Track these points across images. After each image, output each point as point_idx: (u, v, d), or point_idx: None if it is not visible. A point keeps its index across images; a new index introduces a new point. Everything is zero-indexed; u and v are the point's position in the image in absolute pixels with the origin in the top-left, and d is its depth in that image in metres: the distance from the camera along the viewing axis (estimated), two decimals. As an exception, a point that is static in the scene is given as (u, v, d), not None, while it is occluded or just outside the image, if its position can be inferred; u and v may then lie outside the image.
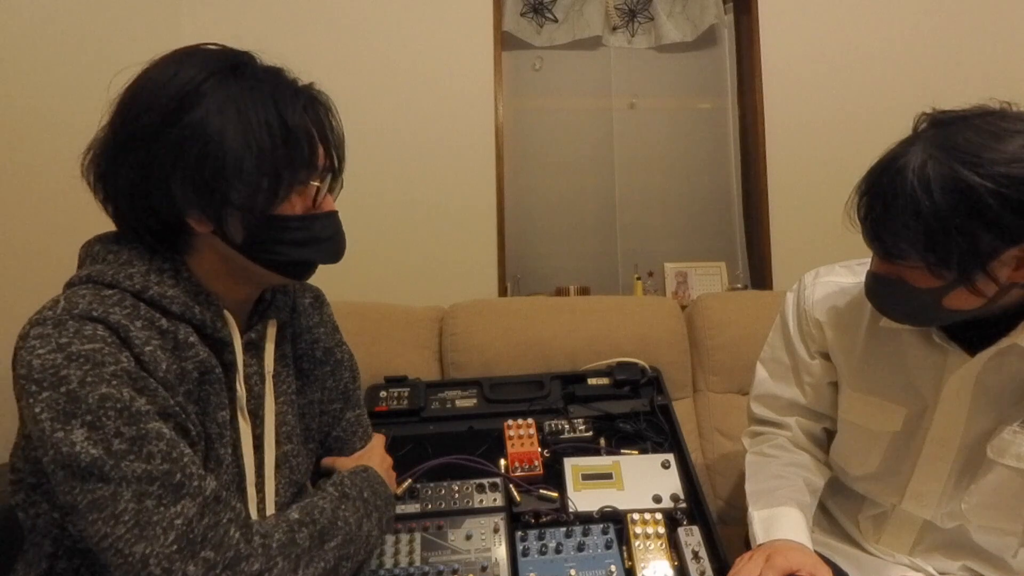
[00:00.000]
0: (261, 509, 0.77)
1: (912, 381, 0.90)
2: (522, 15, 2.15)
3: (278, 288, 0.85)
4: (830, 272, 1.02)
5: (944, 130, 0.73)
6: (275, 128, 0.68)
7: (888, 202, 0.74)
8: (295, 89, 0.72)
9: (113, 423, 0.60)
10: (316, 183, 0.73)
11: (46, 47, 1.34)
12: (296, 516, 0.71)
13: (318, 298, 0.95)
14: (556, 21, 2.16)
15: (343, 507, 0.77)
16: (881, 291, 0.83)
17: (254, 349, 0.79)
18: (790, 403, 1.05)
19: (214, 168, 0.65)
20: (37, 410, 0.59)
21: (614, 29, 2.19)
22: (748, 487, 1.01)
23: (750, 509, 0.96)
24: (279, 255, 0.73)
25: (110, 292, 0.66)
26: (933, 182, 0.70)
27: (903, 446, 0.93)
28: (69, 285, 0.69)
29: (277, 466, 0.80)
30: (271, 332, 0.81)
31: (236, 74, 0.68)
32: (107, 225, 0.74)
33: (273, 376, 0.81)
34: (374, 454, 0.95)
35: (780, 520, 0.90)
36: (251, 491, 0.75)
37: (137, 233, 0.70)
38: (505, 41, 2.11)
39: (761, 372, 1.10)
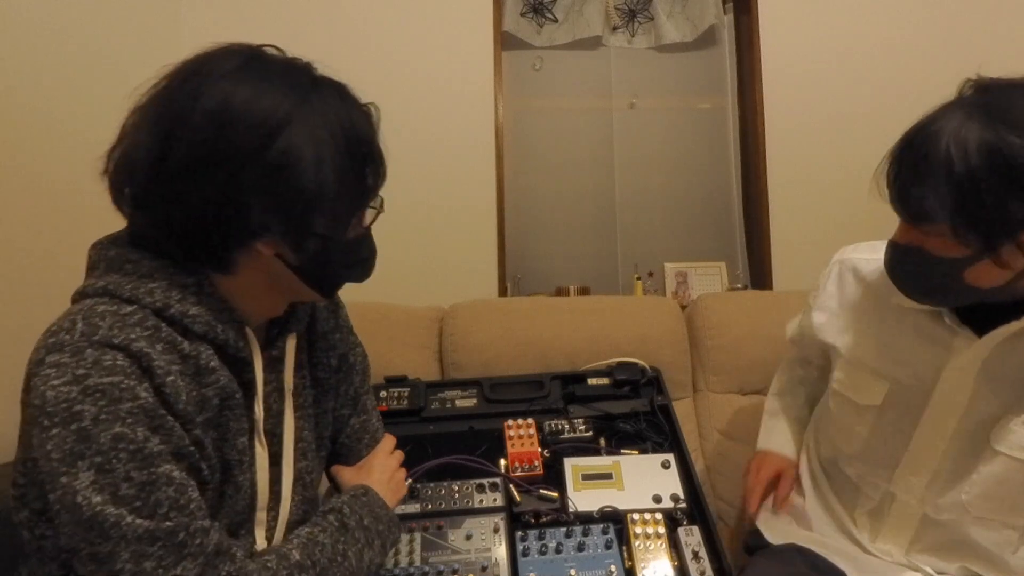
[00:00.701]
0: (271, 531, 0.76)
1: (909, 360, 0.90)
2: (522, 15, 2.15)
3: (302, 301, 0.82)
4: (855, 250, 1.03)
5: (990, 94, 0.72)
6: (356, 154, 0.68)
7: (919, 162, 0.72)
8: (364, 110, 0.71)
9: (124, 466, 0.57)
10: (375, 207, 0.75)
11: (45, 46, 1.34)
12: (297, 558, 0.69)
13: (334, 301, 0.93)
14: (556, 21, 2.16)
15: (343, 540, 0.74)
16: (901, 261, 0.82)
17: (273, 365, 0.77)
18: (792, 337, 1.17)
19: (305, 197, 0.63)
20: (48, 447, 0.57)
21: (614, 29, 2.19)
22: (769, 393, 1.25)
23: (764, 415, 1.22)
24: (336, 277, 0.74)
25: (130, 309, 0.62)
26: (970, 143, 0.68)
27: (893, 425, 0.93)
28: (82, 295, 0.65)
29: (293, 484, 0.78)
30: (291, 346, 0.79)
31: (316, 95, 0.66)
32: (105, 222, 0.69)
33: (292, 391, 0.79)
34: (374, 464, 0.93)
35: (773, 432, 1.18)
36: (260, 515, 0.73)
37: (178, 246, 0.65)
38: (505, 41, 2.11)
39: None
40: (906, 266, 0.82)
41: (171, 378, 0.61)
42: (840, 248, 1.06)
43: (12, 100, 1.24)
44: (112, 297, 0.63)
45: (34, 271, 1.24)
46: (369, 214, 0.75)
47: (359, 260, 0.76)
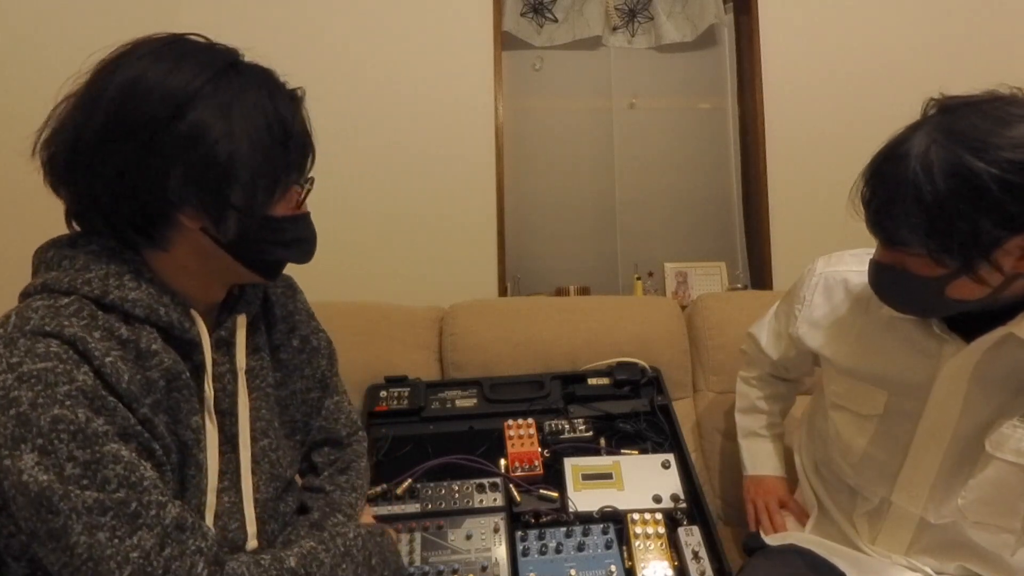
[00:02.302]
0: (236, 508, 0.75)
1: (902, 369, 0.90)
2: (522, 15, 2.15)
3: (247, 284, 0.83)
4: (840, 261, 1.03)
5: (951, 115, 0.72)
6: (275, 130, 0.68)
7: (890, 187, 0.73)
8: (288, 92, 0.72)
9: (66, 446, 0.57)
10: (305, 185, 0.75)
11: (44, 46, 1.34)
12: (291, 565, 0.68)
13: (291, 287, 0.94)
14: (556, 21, 2.16)
15: (343, 566, 0.73)
16: (884, 280, 0.83)
17: (225, 346, 0.78)
18: (766, 350, 1.18)
19: (217, 169, 0.65)
20: None
21: (614, 29, 2.19)
22: (736, 413, 1.28)
23: (738, 436, 1.26)
24: (266, 255, 0.73)
25: (67, 301, 0.63)
26: (936, 167, 0.69)
27: (891, 434, 0.93)
28: (24, 295, 0.67)
29: (256, 462, 0.79)
30: (241, 326, 0.80)
31: (234, 74, 0.68)
32: (62, 228, 0.71)
33: (246, 372, 0.80)
34: None
35: (761, 455, 1.22)
36: (211, 497, 0.72)
37: (106, 223, 0.67)
38: (505, 41, 2.10)
39: (768, 314, 1.19)
40: (889, 284, 0.83)
41: (109, 359, 0.61)
42: (829, 253, 1.05)
43: (10, 100, 1.24)
44: (50, 292, 0.64)
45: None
46: (293, 191, 0.75)
47: (294, 240, 0.76)
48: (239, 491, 0.76)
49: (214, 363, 0.75)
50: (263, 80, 0.70)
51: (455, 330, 1.55)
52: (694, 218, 2.23)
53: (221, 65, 0.68)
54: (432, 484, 1.04)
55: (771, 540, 1.06)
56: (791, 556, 1.00)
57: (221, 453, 0.75)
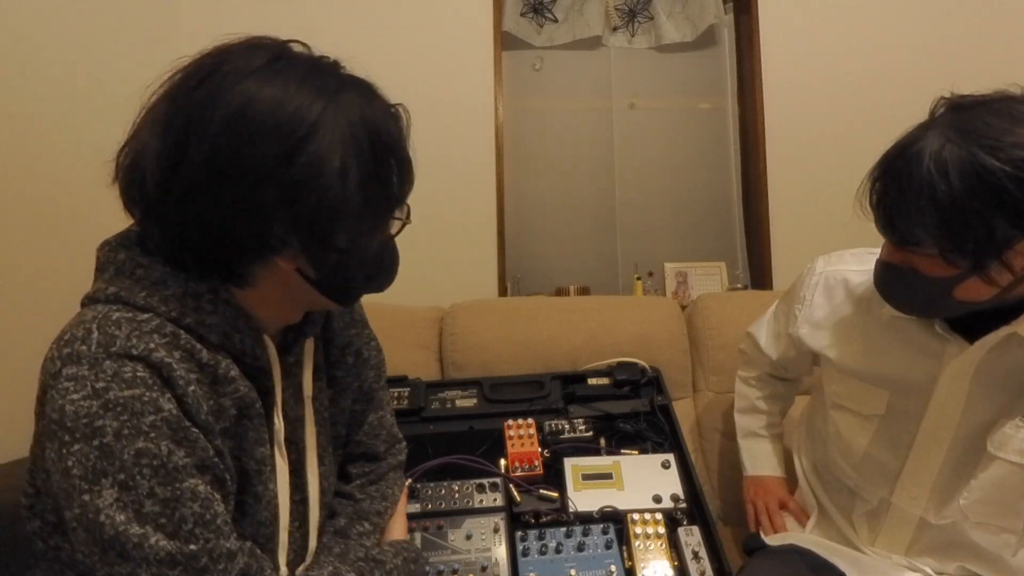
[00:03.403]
0: (301, 546, 0.74)
1: (904, 369, 0.90)
2: (522, 15, 2.15)
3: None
4: (840, 261, 1.02)
5: (963, 114, 0.72)
6: (384, 162, 0.62)
7: (903, 187, 0.73)
8: (393, 114, 0.66)
9: (148, 482, 0.55)
10: (400, 217, 0.69)
11: (44, 46, 1.34)
12: None
13: None
14: (556, 21, 2.16)
15: None
16: (891, 280, 0.83)
17: (291, 371, 0.74)
18: (765, 350, 1.18)
19: (328, 212, 0.59)
20: (69, 463, 0.55)
21: (614, 29, 2.19)
22: (735, 413, 1.28)
23: (738, 436, 1.26)
24: (355, 289, 0.70)
25: (145, 317, 0.59)
26: (951, 166, 0.69)
27: (893, 434, 0.93)
28: (93, 300, 0.62)
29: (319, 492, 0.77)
30: (309, 351, 0.76)
31: (344, 97, 0.61)
32: (105, 225, 0.66)
33: (311, 397, 0.76)
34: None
35: (760, 455, 1.23)
36: (283, 536, 0.71)
37: (186, 256, 0.61)
38: (505, 41, 2.10)
39: (767, 314, 1.19)
40: (897, 285, 0.83)
41: (192, 388, 0.59)
42: (829, 252, 1.05)
43: (10, 100, 1.24)
44: (125, 304, 0.60)
45: (34, 273, 1.24)
46: (395, 225, 0.70)
47: (381, 270, 0.72)
48: (305, 522, 0.75)
49: (281, 390, 0.71)
50: (368, 101, 0.63)
51: (455, 330, 1.55)
52: (694, 218, 2.23)
53: (333, 86, 0.61)
54: (432, 484, 1.04)
55: (771, 540, 1.06)
56: (791, 556, 1.00)
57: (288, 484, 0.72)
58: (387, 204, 0.65)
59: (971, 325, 0.83)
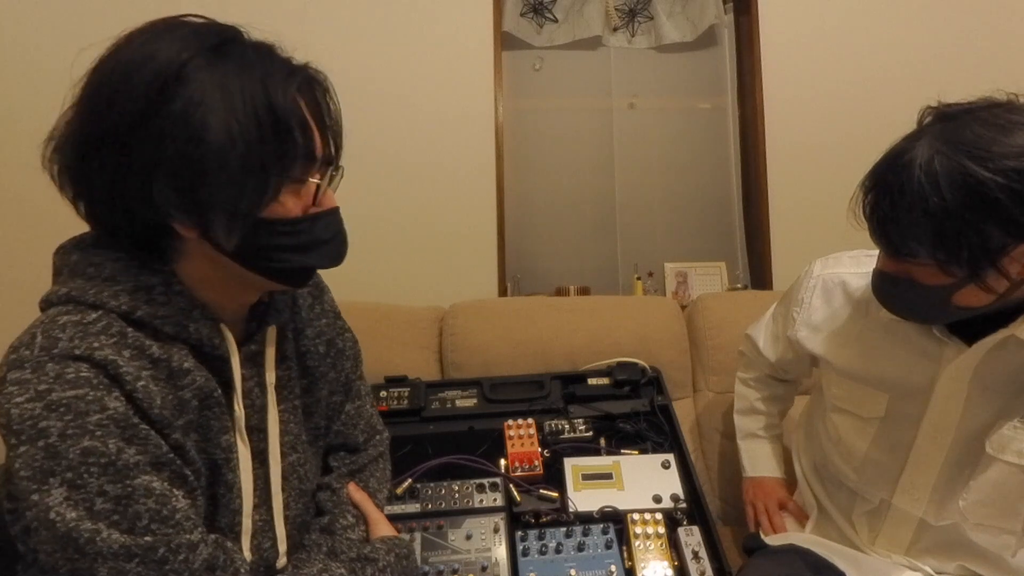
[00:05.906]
0: (268, 526, 0.74)
1: (903, 371, 0.90)
2: (522, 15, 2.15)
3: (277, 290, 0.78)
4: (837, 263, 1.02)
5: (950, 124, 0.72)
6: (263, 116, 0.59)
7: (895, 199, 0.73)
8: (289, 69, 0.64)
9: (96, 480, 0.55)
10: (316, 180, 0.66)
11: (42, 46, 1.34)
12: None
13: (318, 286, 0.88)
14: (556, 21, 2.16)
15: None
16: (889, 289, 0.83)
17: (254, 359, 0.73)
18: (763, 352, 1.18)
19: (195, 166, 0.57)
20: (18, 465, 0.55)
21: (614, 29, 2.19)
22: (735, 415, 1.29)
23: (737, 437, 1.26)
24: (278, 262, 0.65)
25: (94, 316, 0.59)
26: (941, 178, 0.69)
27: (893, 436, 0.93)
28: (47, 303, 0.62)
29: (285, 478, 0.76)
30: (271, 339, 0.75)
31: (223, 53, 0.60)
32: (71, 227, 0.66)
33: (275, 385, 0.76)
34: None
35: (760, 456, 1.23)
36: (247, 522, 0.71)
37: (116, 237, 0.63)
38: (505, 41, 2.10)
39: (766, 316, 1.19)
40: (895, 294, 0.83)
41: (142, 383, 0.59)
42: (829, 252, 1.05)
43: (10, 100, 1.24)
44: (76, 304, 0.60)
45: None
46: (317, 188, 0.66)
47: (314, 242, 0.66)
48: (270, 508, 0.75)
49: (243, 378, 0.71)
50: (257, 57, 0.62)
51: (455, 330, 1.55)
52: (694, 218, 2.23)
53: (209, 42, 0.60)
54: (432, 484, 1.04)
55: (771, 540, 1.07)
56: (791, 556, 1.00)
57: (252, 471, 0.73)
58: (280, 165, 0.61)
59: (969, 327, 0.83)
